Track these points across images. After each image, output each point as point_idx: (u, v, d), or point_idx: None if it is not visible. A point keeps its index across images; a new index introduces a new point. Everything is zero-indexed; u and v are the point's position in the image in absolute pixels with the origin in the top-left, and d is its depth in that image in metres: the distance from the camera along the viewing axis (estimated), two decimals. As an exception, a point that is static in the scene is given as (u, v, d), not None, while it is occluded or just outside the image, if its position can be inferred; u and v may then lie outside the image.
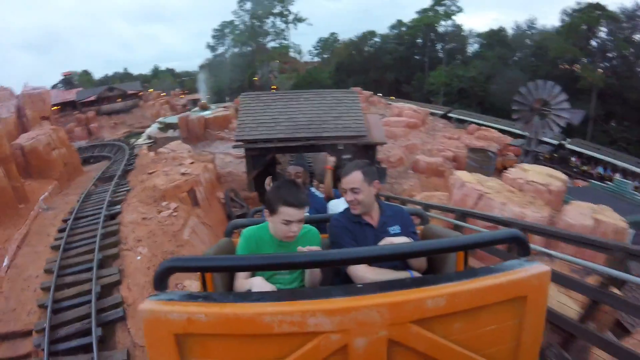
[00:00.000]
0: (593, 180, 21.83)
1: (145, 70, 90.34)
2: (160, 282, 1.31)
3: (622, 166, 25.98)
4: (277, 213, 1.99)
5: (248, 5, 54.12)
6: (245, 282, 1.93)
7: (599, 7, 39.97)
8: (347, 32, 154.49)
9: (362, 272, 1.98)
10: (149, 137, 29.44)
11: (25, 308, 7.84)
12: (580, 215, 6.92)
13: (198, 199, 11.63)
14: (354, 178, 2.24)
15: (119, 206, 10.76)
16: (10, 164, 12.39)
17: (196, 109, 40.50)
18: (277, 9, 53.95)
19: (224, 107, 37.16)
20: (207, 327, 1.22)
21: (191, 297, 1.29)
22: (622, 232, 6.99)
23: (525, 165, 9.57)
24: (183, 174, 11.88)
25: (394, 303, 1.26)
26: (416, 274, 2.07)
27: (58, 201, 13.37)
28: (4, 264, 9.51)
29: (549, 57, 42.22)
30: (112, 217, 10.23)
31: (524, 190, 8.04)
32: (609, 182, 19.95)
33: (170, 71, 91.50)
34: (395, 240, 1.98)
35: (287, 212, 1.96)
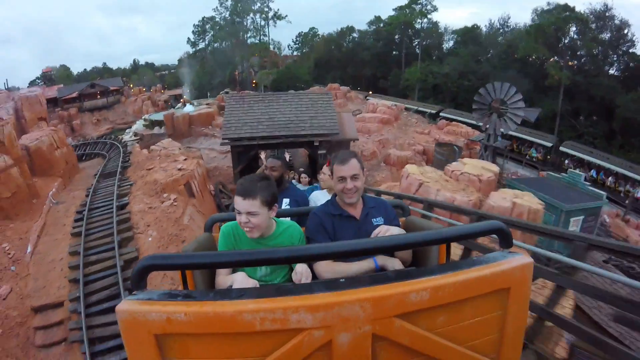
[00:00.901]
0: (551, 172, 24.23)
1: (124, 63, 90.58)
2: (139, 281, 1.32)
3: (615, 170, 26.57)
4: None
5: (228, 3, 55.46)
6: (227, 278, 1.94)
7: (567, 8, 42.25)
8: (328, 23, 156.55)
9: (323, 268, 1.97)
10: (135, 134, 31.00)
11: (53, 285, 9.71)
12: (502, 199, 9.04)
13: (193, 191, 13.59)
14: (354, 164, 2.23)
15: (126, 198, 12.68)
16: (22, 163, 14.08)
17: (179, 105, 42.00)
18: (256, 6, 55.44)
19: (207, 104, 38.70)
20: (187, 326, 1.22)
21: (170, 296, 1.29)
22: (535, 212, 9.10)
23: (465, 160, 11.77)
24: (179, 169, 13.83)
25: (377, 297, 1.27)
26: (381, 261, 1.98)
27: (65, 196, 15.12)
28: (28, 250, 11.31)
29: (519, 55, 44.65)
30: (122, 207, 12.14)
31: (459, 180, 10.20)
32: (562, 175, 22.29)
33: (149, 65, 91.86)
34: (393, 230, 1.99)
35: (236, 200, 2.00)
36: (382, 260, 1.97)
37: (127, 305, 1.23)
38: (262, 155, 19.88)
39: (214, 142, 25.58)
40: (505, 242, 1.53)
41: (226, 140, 16.84)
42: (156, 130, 30.61)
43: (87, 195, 14.00)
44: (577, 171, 22.15)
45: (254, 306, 1.22)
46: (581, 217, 17.15)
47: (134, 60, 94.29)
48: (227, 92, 47.01)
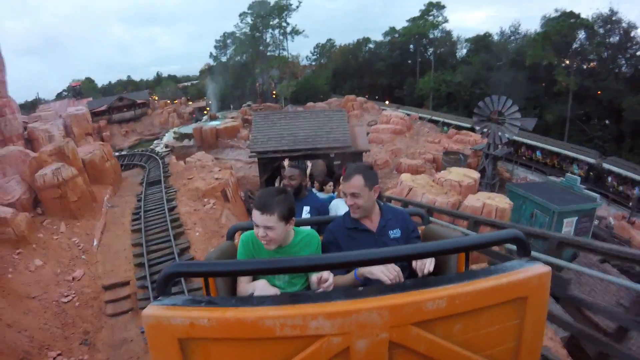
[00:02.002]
0: (552, 177, 26.27)
1: (145, 74, 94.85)
2: (164, 287, 1.40)
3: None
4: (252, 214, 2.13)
5: (248, 19, 58.81)
6: (248, 285, 2.04)
7: (573, 15, 43.97)
8: (345, 31, 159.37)
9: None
10: (166, 146, 34.13)
11: (120, 269, 12.50)
12: (475, 200, 11.42)
13: (228, 196, 16.37)
14: (355, 183, 2.29)
15: (174, 202, 15.54)
16: (84, 173, 17.01)
17: (205, 118, 45.25)
18: (275, 21, 58.61)
19: (232, 117, 41.68)
20: (210, 331, 1.28)
21: (194, 302, 1.36)
22: (502, 210, 11.45)
23: (452, 168, 14.25)
24: (216, 178, 16.65)
25: (394, 305, 1.30)
26: (360, 271, 2.05)
27: (117, 201, 18.02)
28: (94, 243, 14.15)
29: (528, 63, 46.01)
30: (171, 209, 14.97)
31: (444, 185, 12.70)
32: (562, 178, 24.26)
33: (172, 78, 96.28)
34: (430, 265, 2.01)
35: (254, 214, 2.07)
36: (361, 270, 2.03)
37: (152, 310, 1.31)
38: (285, 162, 22.64)
39: (239, 153, 28.45)
40: (523, 250, 1.56)
41: (254, 153, 19.65)
42: (185, 142, 33.70)
43: (138, 200, 16.90)
44: (576, 175, 23.96)
45: (274, 312, 1.29)
46: (575, 218, 18.18)
47: (157, 73, 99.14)
48: (249, 105, 50.06)
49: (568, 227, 18.43)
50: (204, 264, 1.62)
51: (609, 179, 28.66)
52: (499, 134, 22.61)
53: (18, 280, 11.42)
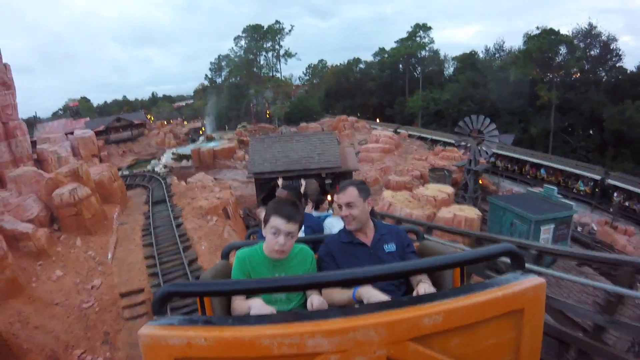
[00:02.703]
0: (530, 189, 28.20)
1: (141, 94, 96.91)
2: (160, 307, 1.43)
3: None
4: (268, 223, 2.20)
5: (243, 42, 61.18)
6: (244, 303, 2.04)
7: (552, 32, 46.39)
8: (337, 50, 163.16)
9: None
10: (165, 166, 35.84)
11: (135, 279, 14.15)
12: (447, 212, 13.27)
13: (229, 214, 18.14)
14: (350, 193, 2.42)
15: (180, 219, 17.29)
16: (95, 193, 18.72)
17: (202, 139, 47.13)
18: (269, 44, 61.00)
19: (228, 139, 43.50)
20: (207, 351, 1.29)
21: (191, 322, 1.37)
22: (471, 220, 13.29)
23: (430, 185, 16.17)
24: (218, 197, 18.45)
25: (391, 322, 1.33)
26: (359, 292, 2.02)
27: (126, 218, 19.70)
28: (109, 256, 15.80)
29: (511, 79, 48.26)
30: (178, 225, 16.71)
31: (421, 200, 14.57)
32: (540, 188, 26.06)
33: (167, 98, 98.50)
34: (429, 289, 2.02)
35: (276, 222, 2.15)
36: (360, 292, 2.02)
37: (148, 330, 1.32)
38: (279, 182, 24.57)
39: (236, 173, 30.23)
40: (517, 263, 1.59)
41: (251, 174, 21.52)
42: (184, 163, 35.48)
43: (146, 218, 18.64)
44: (552, 187, 25.89)
45: (271, 331, 1.30)
46: (552, 226, 19.51)
47: (153, 93, 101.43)
48: (244, 126, 51.97)
49: (546, 234, 19.67)
50: (200, 284, 1.69)
51: (615, 194, 29.16)
52: (479, 150, 24.51)
53: (42, 288, 13.04)
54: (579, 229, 26.15)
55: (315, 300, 1.99)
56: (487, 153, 25.15)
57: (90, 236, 16.81)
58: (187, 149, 39.82)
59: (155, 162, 41.88)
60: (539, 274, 4.46)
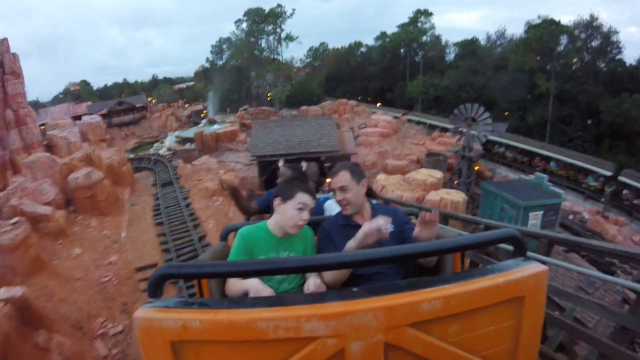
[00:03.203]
0: (522, 175, 29.43)
1: (141, 76, 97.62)
2: (155, 289, 1.44)
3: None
4: (293, 199, 2.22)
5: (244, 25, 61.88)
6: (238, 283, 2.06)
7: (553, 22, 46.98)
8: (339, 32, 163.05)
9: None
10: (169, 149, 37.05)
11: (148, 254, 15.47)
12: (435, 195, 14.52)
13: (233, 195, 19.40)
14: (342, 177, 2.42)
15: (188, 200, 18.62)
16: (108, 176, 20.00)
17: (204, 122, 48.29)
18: (270, 27, 61.71)
19: (230, 122, 44.62)
20: (203, 333, 1.31)
21: (186, 304, 1.39)
22: (456, 203, 14.55)
23: (421, 170, 17.45)
24: (227, 179, 19.75)
25: (389, 306, 1.33)
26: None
27: (136, 200, 21.01)
28: (123, 235, 17.13)
29: (510, 68, 49.07)
30: (187, 205, 18.04)
31: (411, 184, 15.87)
32: (531, 175, 27.23)
33: (167, 80, 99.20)
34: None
35: (303, 198, 2.21)
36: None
37: (144, 313, 1.34)
38: (280, 163, 25.99)
39: (238, 156, 31.47)
40: (519, 250, 1.58)
41: (254, 157, 22.83)
42: (187, 146, 36.70)
43: (156, 199, 19.96)
44: (542, 174, 27.02)
45: (267, 314, 1.31)
46: (540, 212, 20.56)
47: (153, 76, 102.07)
48: (245, 109, 53.00)
49: (534, 220, 20.67)
50: (196, 265, 1.72)
51: (624, 192, 29.38)
52: (473, 137, 25.75)
53: (63, 265, 14.37)
54: (571, 217, 27.07)
55: (311, 283, 2.06)
56: (479, 140, 26.40)
57: (104, 217, 18.11)
58: (190, 132, 41.03)
59: (158, 145, 42.98)
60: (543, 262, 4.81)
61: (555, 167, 34.06)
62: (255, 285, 1.99)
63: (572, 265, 5.05)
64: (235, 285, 2.06)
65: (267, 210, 4.15)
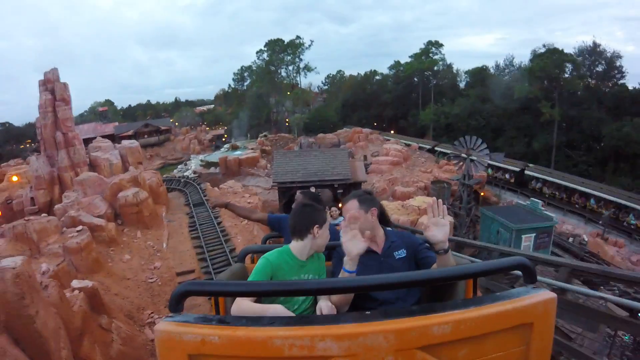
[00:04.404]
0: (519, 202, 32.35)
1: (162, 96, 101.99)
2: (176, 304, 1.53)
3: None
4: (326, 222, 2.51)
5: (265, 55, 66.48)
6: (264, 308, 2.11)
7: (557, 51, 50.16)
8: (357, 57, 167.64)
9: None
10: (194, 172, 40.92)
11: (187, 262, 18.85)
12: (426, 218, 17.69)
13: (257, 215, 22.96)
14: (350, 206, 2.54)
15: (219, 218, 22.19)
16: (150, 195, 23.67)
17: (227, 147, 52.27)
18: (289, 58, 66.20)
19: (252, 148, 48.38)
20: (220, 348, 1.40)
21: (205, 320, 1.48)
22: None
23: (416, 197, 20.84)
24: (249, 202, 23.35)
25: (400, 329, 1.40)
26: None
27: (172, 217, 24.65)
28: (164, 246, 20.61)
29: (516, 96, 51.51)
30: (219, 223, 21.61)
31: (408, 209, 19.25)
32: (527, 202, 29.97)
33: (189, 103, 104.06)
34: (324, 308, 2.12)
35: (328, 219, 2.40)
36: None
37: (164, 326, 1.43)
38: (298, 193, 29.38)
39: (259, 181, 35.16)
40: (529, 277, 1.64)
41: (275, 183, 26.53)
42: (212, 169, 40.55)
43: (190, 217, 23.61)
44: (537, 200, 29.54)
45: (283, 333, 1.40)
46: (532, 235, 22.94)
47: (175, 98, 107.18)
48: (265, 136, 56.85)
49: (527, 242, 23.05)
50: (216, 283, 1.89)
51: (631, 216, 29.37)
52: (472, 166, 28.98)
53: (116, 267, 17.75)
54: (571, 239, 29.49)
55: (324, 306, 2.15)
56: (481, 168, 29.71)
57: (147, 230, 21.65)
58: (214, 157, 45.00)
59: (181, 166, 46.86)
60: (554, 289, 4.86)
61: (594, 204, 32.90)
62: (279, 312, 2.08)
63: (594, 291, 5.15)
64: (252, 308, 2.09)
65: (273, 227, 4.58)
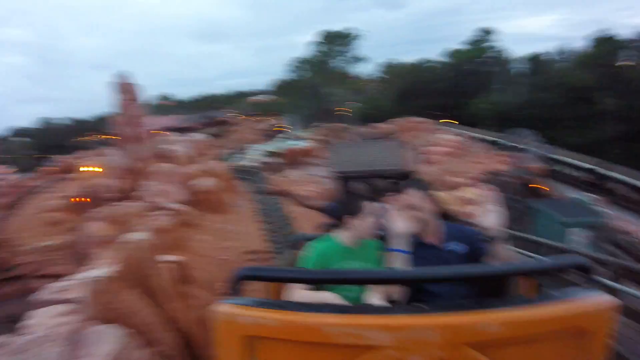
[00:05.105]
0: (571, 195, 32.82)
1: (214, 88, 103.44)
2: (235, 287, 1.61)
3: None
4: (366, 210, 2.59)
5: (316, 46, 68.56)
6: (316, 295, 2.21)
7: (611, 39, 49.37)
8: (406, 43, 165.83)
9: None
10: (255, 162, 43.44)
11: (255, 243, 21.27)
12: (473, 209, 19.34)
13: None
14: (406, 194, 2.52)
15: (282, 205, 24.68)
16: (220, 182, 26.38)
17: (285, 136, 54.69)
18: (340, 49, 67.78)
19: (309, 138, 50.12)
20: (275, 331, 1.47)
21: (262, 304, 1.55)
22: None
23: (469, 188, 22.41)
24: (309, 190, 25.78)
25: (451, 324, 1.41)
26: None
27: (239, 203, 27.34)
28: (234, 227, 23.27)
29: (571, 85, 50.89)
30: (282, 209, 24.11)
31: (460, 199, 20.90)
32: (577, 196, 30.42)
33: (242, 94, 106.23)
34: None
35: (372, 207, 2.59)
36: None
37: (223, 308, 1.51)
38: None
39: (317, 170, 37.21)
40: (587, 278, 1.59)
41: (332, 173, 28.86)
42: (272, 159, 43.00)
43: (256, 203, 26.27)
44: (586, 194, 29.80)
45: (334, 320, 1.44)
46: (580, 229, 22.35)
47: (228, 89, 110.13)
48: (320, 126, 58.18)
49: (574, 236, 22.45)
50: (276, 269, 2.04)
51: None
52: (527, 156, 29.84)
53: (193, 246, 19.90)
54: (622, 236, 29.44)
55: (374, 295, 2.23)
56: (534, 160, 30.64)
57: (218, 214, 24.33)
58: (272, 146, 47.52)
59: (239, 157, 49.19)
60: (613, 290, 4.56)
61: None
62: (331, 299, 2.17)
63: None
64: (306, 294, 2.17)
65: (329, 215, 3.93)
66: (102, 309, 7.09)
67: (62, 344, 5.45)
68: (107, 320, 6.78)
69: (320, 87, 68.85)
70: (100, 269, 8.51)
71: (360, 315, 1.52)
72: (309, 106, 69.43)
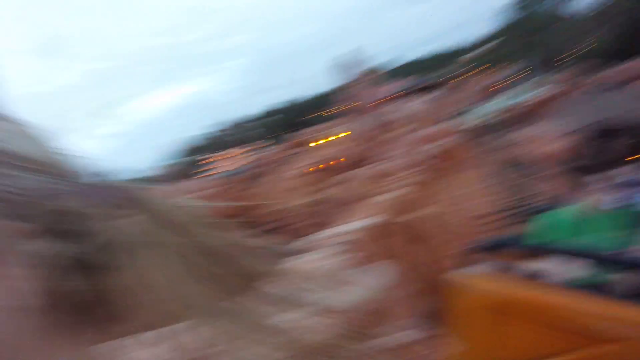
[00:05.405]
0: None
1: (419, 53, 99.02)
2: (485, 255, 1.52)
3: None
4: (611, 175, 2.21)
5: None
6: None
7: None
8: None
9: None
10: (482, 121, 42.04)
11: (489, 207, 21.34)
12: None
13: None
14: None
15: (519, 165, 24.10)
16: (455, 144, 26.90)
17: (513, 90, 51.31)
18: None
19: (544, 88, 45.72)
20: (517, 306, 1.38)
21: (512, 277, 1.44)
22: None
23: None
24: (555, 148, 24.44)
25: None
26: None
27: (475, 164, 27.45)
28: (470, 189, 23.56)
29: None
30: (519, 170, 23.48)
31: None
32: None
33: (454, 53, 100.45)
34: None
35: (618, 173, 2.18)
36: None
37: (466, 277, 1.45)
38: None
39: (550, 126, 34.62)
40: None
41: (575, 127, 26.73)
42: (501, 117, 41.15)
43: (489, 165, 26.09)
44: None
45: (581, 306, 1.31)
46: None
47: (442, 50, 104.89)
48: (556, 72, 52.91)
49: None
50: (539, 243, 1.75)
51: None
52: None
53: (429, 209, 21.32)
54: None
55: (627, 280, 1.73)
56: None
57: (455, 175, 24.87)
58: (503, 103, 45.09)
59: (461, 119, 47.77)
60: None
61: None
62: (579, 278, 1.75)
63: None
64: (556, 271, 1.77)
65: (580, 174, 3.23)
66: (367, 252, 8.19)
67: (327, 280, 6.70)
68: (372, 261, 7.82)
69: (544, 29, 62.31)
70: (355, 224, 9.65)
71: (613, 303, 1.36)
72: (537, 51, 63.28)
